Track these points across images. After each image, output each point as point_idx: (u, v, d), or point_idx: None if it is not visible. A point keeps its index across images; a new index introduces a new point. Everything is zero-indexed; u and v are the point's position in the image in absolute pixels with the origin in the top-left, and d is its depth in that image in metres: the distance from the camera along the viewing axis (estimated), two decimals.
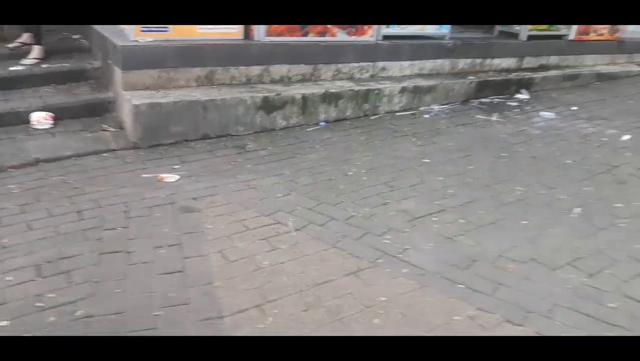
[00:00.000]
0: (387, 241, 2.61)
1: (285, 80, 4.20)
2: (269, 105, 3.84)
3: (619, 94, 5.60)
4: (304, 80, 4.28)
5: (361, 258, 2.45)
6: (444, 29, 5.02)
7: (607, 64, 6.54)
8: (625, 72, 6.43)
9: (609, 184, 3.37)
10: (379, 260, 2.44)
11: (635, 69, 6.61)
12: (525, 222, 2.87)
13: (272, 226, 2.66)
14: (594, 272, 2.43)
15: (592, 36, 6.12)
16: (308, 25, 4.23)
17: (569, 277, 2.40)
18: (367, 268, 2.38)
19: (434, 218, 2.87)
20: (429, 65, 5.02)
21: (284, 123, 3.97)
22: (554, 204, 3.07)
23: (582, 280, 2.38)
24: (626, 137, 4.22)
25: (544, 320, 2.11)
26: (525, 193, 3.20)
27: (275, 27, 4.08)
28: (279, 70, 4.16)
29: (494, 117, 4.61)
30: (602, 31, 6.20)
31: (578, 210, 3.01)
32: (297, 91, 4.01)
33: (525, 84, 5.38)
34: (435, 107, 4.77)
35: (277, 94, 3.88)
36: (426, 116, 4.58)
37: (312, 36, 4.29)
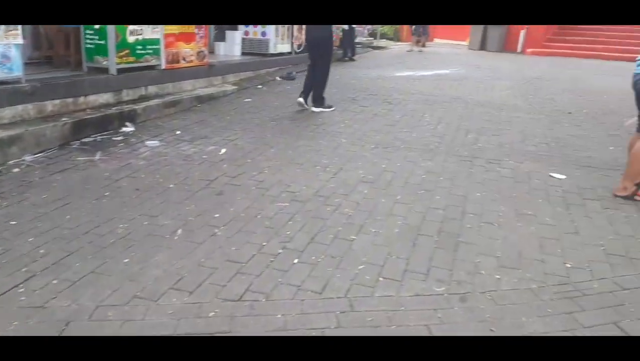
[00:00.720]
0: None
1: None
2: None
3: (218, 113, 6.20)
4: None
5: None
6: (16, 72, 4.47)
7: (206, 87, 7.18)
8: (221, 92, 7.20)
9: (208, 198, 3.58)
10: None
11: (229, 88, 7.48)
12: (127, 260, 2.73)
13: None
14: (194, 288, 2.48)
15: (183, 64, 6.59)
16: None
17: (171, 302, 2.37)
18: None
19: (21, 290, 2.43)
20: (8, 113, 4.38)
21: None
22: (156, 232, 3.05)
23: (183, 300, 2.39)
24: (223, 151, 4.64)
25: None
26: (128, 229, 3.07)
27: None
28: None
29: (97, 156, 4.37)
30: (191, 58, 6.74)
31: (179, 231, 3.07)
32: None
33: (129, 117, 5.34)
34: (28, 158, 4.20)
35: None
36: (16, 170, 3.96)
37: None
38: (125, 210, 3.35)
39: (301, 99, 6.42)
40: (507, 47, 16.17)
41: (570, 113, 6.65)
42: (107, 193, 3.60)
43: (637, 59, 3.62)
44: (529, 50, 15.68)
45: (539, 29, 15.82)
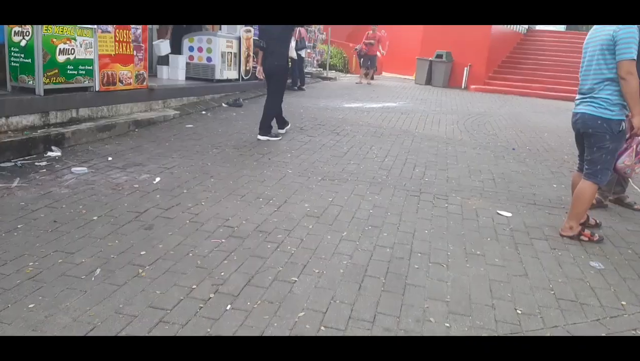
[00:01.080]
0: None
1: None
2: None
3: (156, 138, 5.85)
4: None
5: None
6: None
7: (145, 111, 6.82)
8: (162, 116, 6.85)
9: (135, 232, 3.24)
10: None
11: (171, 113, 7.14)
12: (32, 305, 2.36)
13: None
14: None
15: (120, 86, 6.22)
16: None
17: None
18: None
19: None
20: None
21: None
22: (71, 272, 2.69)
23: None
24: (157, 180, 4.30)
25: None
26: (38, 268, 2.69)
27: None
28: None
29: (15, 183, 3.93)
30: (129, 80, 6.38)
31: (98, 271, 2.72)
32: None
33: (55, 140, 4.91)
34: None
35: None
36: None
37: None
38: (38, 245, 2.96)
39: (281, 131, 6.61)
40: (451, 82, 16.68)
41: (514, 149, 6.77)
42: (19, 226, 3.20)
43: (576, 98, 3.65)
44: (473, 86, 16.23)
45: (482, 67, 16.46)
